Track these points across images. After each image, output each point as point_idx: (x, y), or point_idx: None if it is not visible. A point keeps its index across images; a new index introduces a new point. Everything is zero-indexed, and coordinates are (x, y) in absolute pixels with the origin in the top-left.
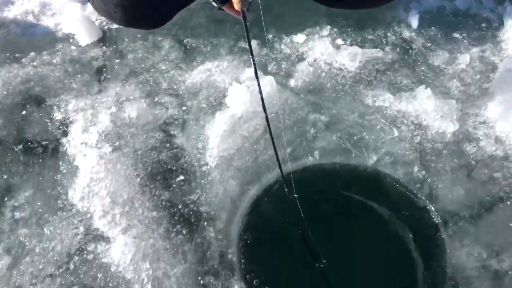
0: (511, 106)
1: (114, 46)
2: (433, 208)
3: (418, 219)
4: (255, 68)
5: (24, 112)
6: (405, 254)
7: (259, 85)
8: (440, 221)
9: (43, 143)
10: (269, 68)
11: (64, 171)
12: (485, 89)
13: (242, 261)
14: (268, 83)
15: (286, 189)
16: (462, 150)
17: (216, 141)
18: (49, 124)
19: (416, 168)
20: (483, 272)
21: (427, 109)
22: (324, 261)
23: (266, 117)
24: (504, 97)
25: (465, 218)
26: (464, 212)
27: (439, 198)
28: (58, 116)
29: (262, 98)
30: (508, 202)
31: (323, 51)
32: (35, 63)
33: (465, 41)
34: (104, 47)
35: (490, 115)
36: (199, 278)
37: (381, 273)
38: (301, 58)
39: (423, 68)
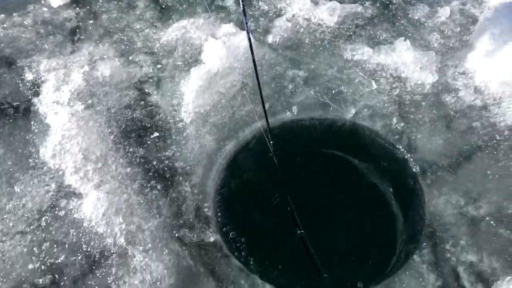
0: (491, 57)
1: (88, 7)
2: (412, 159)
3: (397, 170)
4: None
5: None
6: (384, 205)
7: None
8: (419, 171)
9: (14, 103)
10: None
11: (36, 130)
12: (465, 41)
13: (218, 214)
14: (245, 38)
15: (271, 142)
16: (441, 101)
17: (191, 97)
18: (20, 84)
19: (394, 120)
20: (460, 218)
21: (406, 61)
22: (299, 223)
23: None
24: (483, 48)
25: (444, 168)
26: (442, 161)
27: (418, 148)
28: (29, 76)
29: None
30: (487, 151)
31: (302, 6)
32: (5, 25)
33: None
34: (77, 8)
35: (470, 66)
36: (174, 231)
37: (361, 223)
38: (279, 14)
39: (402, 22)
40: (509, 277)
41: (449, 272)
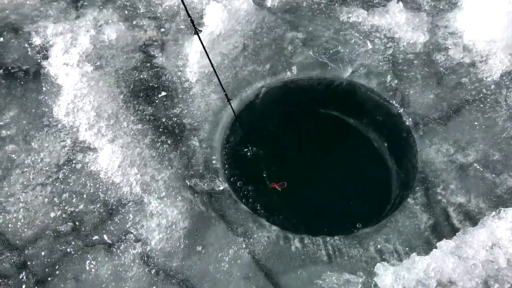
0: (479, 17)
1: None
2: (405, 113)
3: (391, 124)
4: None
5: (1, 39)
6: (380, 155)
7: None
8: (412, 123)
9: (24, 67)
10: None
11: (47, 90)
12: (454, 3)
13: (226, 166)
14: (245, 1)
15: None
16: (432, 59)
17: (196, 58)
18: (28, 49)
19: (389, 78)
20: (450, 165)
21: (399, 23)
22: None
23: None
24: (472, 9)
25: (435, 120)
26: (433, 114)
27: (410, 103)
28: (37, 41)
29: None
30: (474, 104)
31: None
32: None
33: None
34: None
35: (459, 26)
36: (186, 181)
37: (359, 173)
38: None
39: None
40: (494, 213)
41: (440, 212)
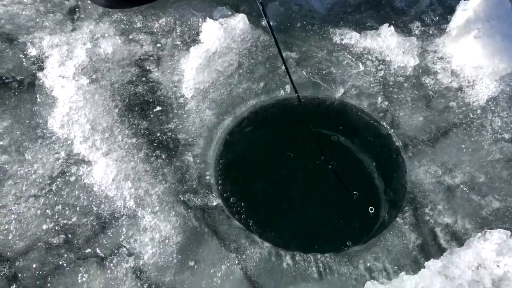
0: (467, 43)
1: None
2: (395, 134)
3: (381, 144)
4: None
5: None
6: (369, 175)
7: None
8: (401, 144)
9: (18, 77)
10: (241, 8)
11: (42, 102)
12: (443, 29)
13: (219, 182)
14: (241, 20)
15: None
16: (421, 82)
17: (191, 74)
18: (23, 59)
19: (379, 99)
20: (438, 186)
21: (390, 46)
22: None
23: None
24: (460, 36)
25: (423, 142)
26: (422, 136)
27: (400, 125)
28: (32, 52)
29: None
30: (462, 128)
31: None
32: (4, 2)
33: None
34: None
35: (447, 51)
36: (179, 195)
37: (347, 192)
38: None
39: (387, 10)
40: (479, 234)
41: (428, 232)
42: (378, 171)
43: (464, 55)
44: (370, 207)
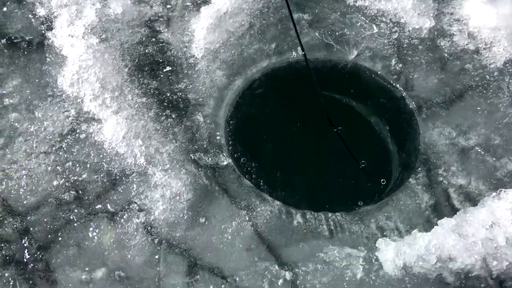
0: (484, 5)
1: None
2: (408, 96)
3: (394, 107)
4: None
5: (4, 9)
6: (382, 137)
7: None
8: (415, 107)
9: (27, 37)
10: None
11: (51, 61)
12: None
13: (230, 142)
14: None
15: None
16: (436, 44)
17: (202, 34)
18: (32, 20)
19: (393, 62)
20: (452, 147)
21: (405, 8)
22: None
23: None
24: None
25: (438, 104)
26: (437, 98)
27: (414, 87)
28: (41, 12)
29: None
30: (477, 90)
31: None
32: None
33: None
34: None
35: (464, 13)
36: (190, 154)
37: (362, 155)
38: None
39: None
40: (494, 193)
41: (441, 192)
42: (391, 134)
43: (482, 17)
44: (382, 179)
